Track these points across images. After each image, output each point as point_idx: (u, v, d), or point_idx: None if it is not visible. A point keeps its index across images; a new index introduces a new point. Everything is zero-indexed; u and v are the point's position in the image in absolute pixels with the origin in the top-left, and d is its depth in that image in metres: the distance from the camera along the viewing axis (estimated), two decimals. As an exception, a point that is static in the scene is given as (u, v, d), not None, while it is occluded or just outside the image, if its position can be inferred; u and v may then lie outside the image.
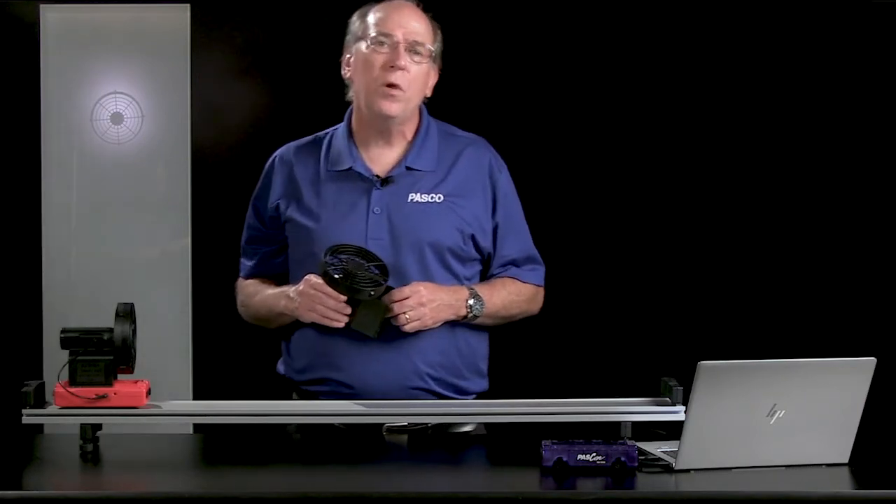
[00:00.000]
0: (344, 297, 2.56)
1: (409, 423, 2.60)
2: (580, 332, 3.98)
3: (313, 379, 2.69)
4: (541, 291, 2.85)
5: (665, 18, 3.98)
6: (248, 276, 2.85)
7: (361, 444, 2.53)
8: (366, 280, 2.55)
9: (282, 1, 3.95)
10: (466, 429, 2.71)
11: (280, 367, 2.80)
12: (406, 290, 2.59)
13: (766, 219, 3.99)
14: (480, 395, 2.78)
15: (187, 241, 3.96)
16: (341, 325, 2.59)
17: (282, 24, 3.93)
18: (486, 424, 2.70)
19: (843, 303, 3.97)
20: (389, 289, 2.59)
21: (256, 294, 2.80)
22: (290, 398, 2.74)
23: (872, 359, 2.26)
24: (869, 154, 3.98)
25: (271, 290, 2.76)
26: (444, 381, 2.69)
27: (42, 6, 3.92)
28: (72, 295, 3.95)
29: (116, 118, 3.97)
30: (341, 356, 2.65)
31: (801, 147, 3.99)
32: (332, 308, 2.57)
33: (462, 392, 2.73)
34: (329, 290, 2.56)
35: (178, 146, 3.97)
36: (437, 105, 2.80)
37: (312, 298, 2.59)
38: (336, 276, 2.55)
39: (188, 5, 3.94)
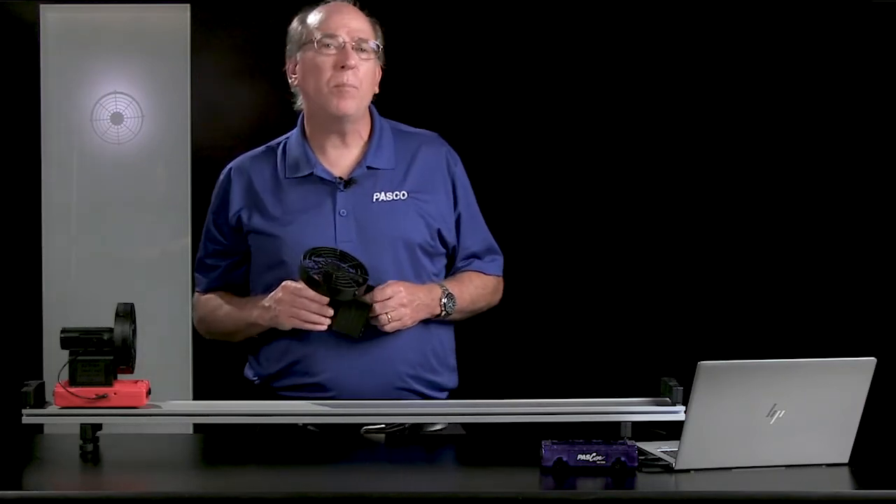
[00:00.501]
0: (326, 299, 2.56)
1: (385, 424, 2.60)
2: (580, 331, 3.98)
3: (289, 386, 2.68)
4: (501, 281, 2.87)
5: (646, 10, 3.98)
6: (206, 291, 2.83)
7: (342, 445, 2.52)
8: (346, 280, 2.55)
9: (282, 1, 3.94)
10: (437, 427, 2.69)
11: (248, 373, 2.79)
12: (388, 291, 2.59)
13: (765, 219, 3.99)
14: (452, 392, 2.78)
15: (187, 241, 3.95)
16: (324, 328, 2.58)
17: (282, 24, 3.90)
18: (466, 424, 2.67)
19: (843, 303, 3.97)
20: (370, 288, 2.59)
21: (220, 308, 2.78)
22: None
23: (872, 359, 2.26)
24: (869, 154, 3.98)
25: (238, 303, 2.75)
26: (421, 379, 2.70)
27: (42, 6, 3.92)
28: (72, 295, 3.95)
29: (116, 118, 3.97)
30: (318, 362, 2.64)
31: (800, 147, 3.99)
32: (314, 311, 2.57)
33: (438, 388, 2.74)
34: (311, 293, 2.55)
35: (178, 146, 3.97)
36: (385, 102, 2.80)
37: (293, 303, 2.58)
38: (317, 278, 2.54)
39: (188, 5, 3.93)
